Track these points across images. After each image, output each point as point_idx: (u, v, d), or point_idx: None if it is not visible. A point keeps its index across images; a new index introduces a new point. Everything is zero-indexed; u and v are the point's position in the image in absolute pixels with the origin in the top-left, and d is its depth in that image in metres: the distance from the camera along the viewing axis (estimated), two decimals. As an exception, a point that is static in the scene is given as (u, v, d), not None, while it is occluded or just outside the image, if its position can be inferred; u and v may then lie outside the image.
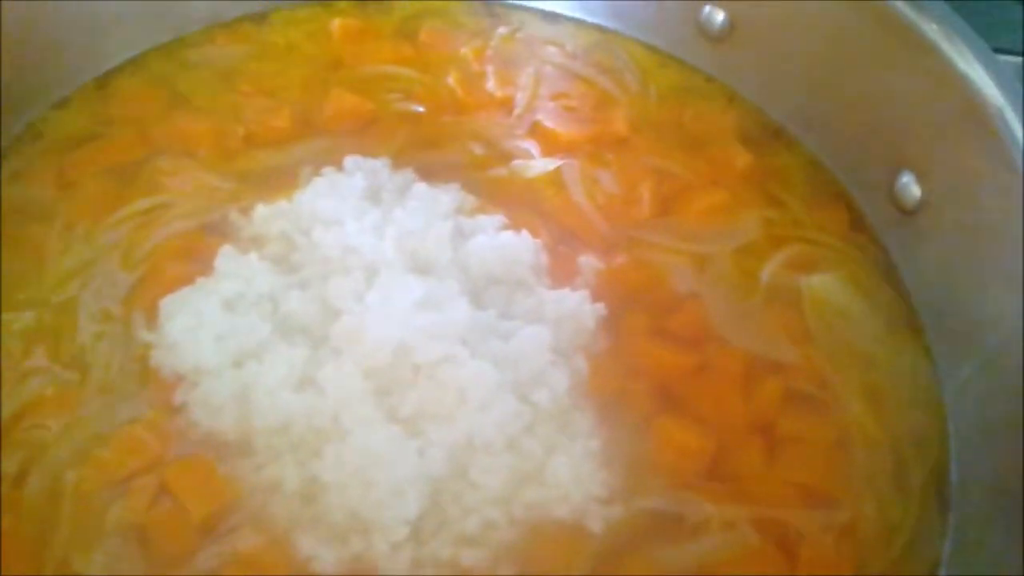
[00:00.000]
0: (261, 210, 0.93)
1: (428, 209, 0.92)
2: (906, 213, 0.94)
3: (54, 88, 1.00)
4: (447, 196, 0.95)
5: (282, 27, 1.09)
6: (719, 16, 1.05)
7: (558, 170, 1.00)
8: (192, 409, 0.82)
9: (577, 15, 1.13)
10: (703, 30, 1.07)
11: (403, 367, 0.81)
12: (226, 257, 0.89)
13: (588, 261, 0.93)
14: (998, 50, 0.90)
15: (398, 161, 0.98)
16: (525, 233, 0.92)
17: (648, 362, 0.87)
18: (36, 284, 0.89)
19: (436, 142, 1.02)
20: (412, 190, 0.94)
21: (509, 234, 0.92)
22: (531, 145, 1.02)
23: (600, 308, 0.89)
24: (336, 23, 1.09)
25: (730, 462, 0.83)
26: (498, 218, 0.94)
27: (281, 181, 0.96)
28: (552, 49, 1.11)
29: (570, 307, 0.87)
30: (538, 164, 1.01)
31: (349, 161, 0.96)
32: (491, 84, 1.07)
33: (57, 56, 0.99)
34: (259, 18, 1.09)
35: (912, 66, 0.91)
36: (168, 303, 0.86)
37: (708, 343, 0.89)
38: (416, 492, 0.76)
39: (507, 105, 1.06)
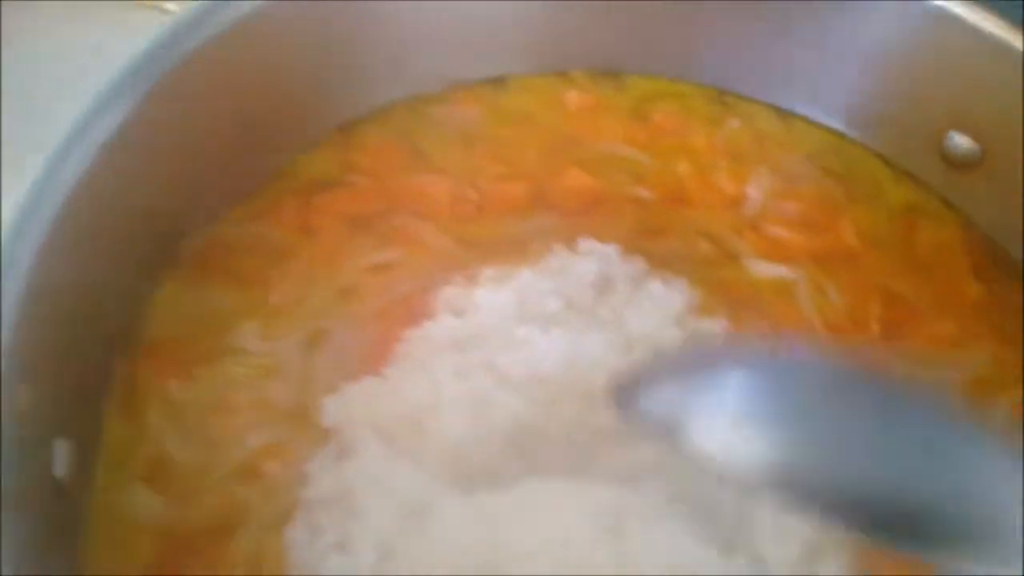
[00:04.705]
0: (488, 273, 0.93)
1: (662, 310, 0.91)
2: None
3: (301, 133, 1.01)
4: (679, 296, 0.93)
5: (518, 93, 1.08)
6: (965, 143, 1.01)
7: (785, 278, 0.98)
8: None
9: (812, 115, 1.10)
10: (946, 155, 1.03)
11: None
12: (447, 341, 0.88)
13: (814, 379, 0.91)
14: None
15: (627, 248, 0.96)
16: (754, 342, 0.91)
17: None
18: (269, 327, 0.90)
19: (662, 231, 1.01)
20: (647, 287, 0.93)
21: None
22: (759, 247, 1.00)
23: None
24: (572, 96, 1.08)
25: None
26: (722, 322, 0.93)
27: (509, 252, 0.95)
28: (783, 147, 1.09)
29: None
30: (766, 268, 0.99)
31: (583, 244, 0.95)
32: (721, 178, 1.05)
33: (304, 103, 1.00)
34: (497, 82, 1.08)
35: None
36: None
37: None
38: None
39: (737, 202, 1.03)
